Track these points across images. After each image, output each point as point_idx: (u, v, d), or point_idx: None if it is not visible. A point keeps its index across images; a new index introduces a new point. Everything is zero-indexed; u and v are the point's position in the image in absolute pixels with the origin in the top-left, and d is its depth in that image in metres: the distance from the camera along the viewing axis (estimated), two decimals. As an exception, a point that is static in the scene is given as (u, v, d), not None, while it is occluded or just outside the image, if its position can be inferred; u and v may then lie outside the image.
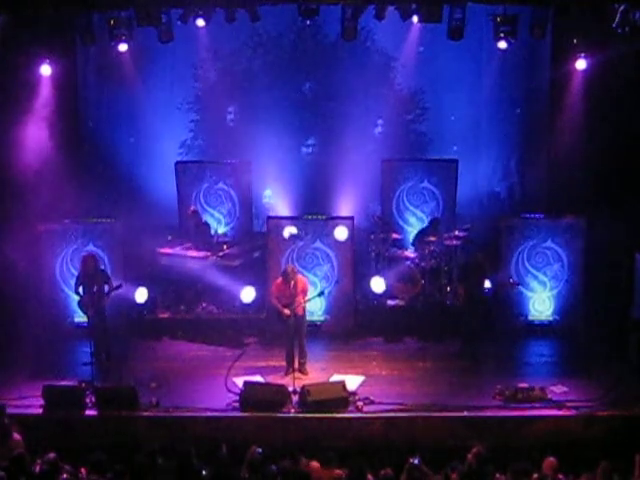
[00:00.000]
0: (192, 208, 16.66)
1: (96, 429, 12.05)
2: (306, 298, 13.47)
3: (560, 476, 9.84)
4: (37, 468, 9.84)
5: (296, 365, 13.49)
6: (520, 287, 15.22)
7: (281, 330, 13.80)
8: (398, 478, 9.76)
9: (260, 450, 10.01)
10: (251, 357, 14.29)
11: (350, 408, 12.30)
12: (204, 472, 9.87)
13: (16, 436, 10.83)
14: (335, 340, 15.13)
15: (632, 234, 14.91)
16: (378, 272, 16.21)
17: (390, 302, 15.83)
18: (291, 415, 12.20)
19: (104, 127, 18.32)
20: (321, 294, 14.10)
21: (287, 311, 13.22)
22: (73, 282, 14.21)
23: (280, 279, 13.54)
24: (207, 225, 16.48)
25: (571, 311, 15.39)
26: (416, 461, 9.88)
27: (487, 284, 14.36)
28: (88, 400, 12.42)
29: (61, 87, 16.14)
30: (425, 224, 16.63)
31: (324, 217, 15.77)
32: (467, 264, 14.76)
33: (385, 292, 15.82)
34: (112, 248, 15.43)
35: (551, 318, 15.52)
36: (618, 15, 14.17)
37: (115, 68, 17.60)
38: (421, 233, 16.35)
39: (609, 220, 15.15)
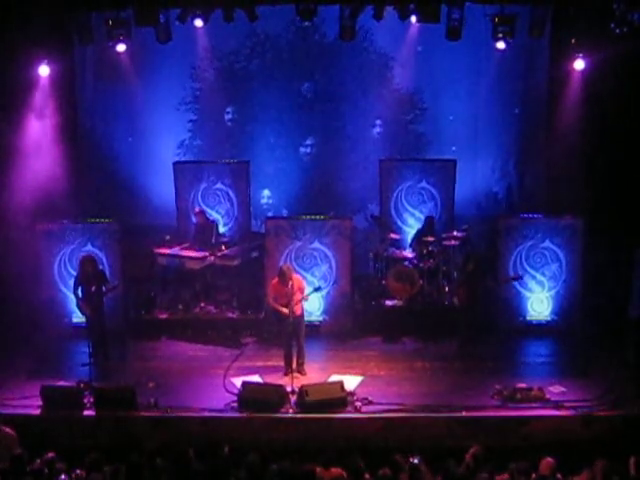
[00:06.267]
0: (198, 209, 16.68)
1: (94, 429, 12.04)
2: (303, 296, 13.45)
3: (558, 476, 9.85)
4: (36, 468, 9.85)
5: (294, 365, 13.47)
6: (521, 280, 15.13)
7: (279, 330, 13.81)
8: (396, 478, 9.77)
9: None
10: (249, 357, 14.30)
11: (348, 408, 12.30)
12: (202, 472, 9.88)
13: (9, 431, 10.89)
14: (333, 340, 15.11)
15: (630, 234, 14.92)
16: (376, 272, 16.25)
17: (388, 302, 15.82)
18: (289, 415, 12.19)
19: (102, 127, 18.35)
20: (317, 290, 14.02)
21: (285, 309, 13.21)
22: (72, 283, 14.18)
23: (276, 280, 13.52)
24: (214, 223, 16.44)
25: (569, 311, 15.39)
26: (416, 461, 9.91)
27: (488, 283, 14.39)
28: (86, 400, 12.41)
29: (59, 87, 16.11)
30: (421, 225, 16.63)
31: (322, 217, 15.74)
32: (466, 265, 14.74)
33: (384, 292, 15.86)
34: (110, 248, 15.36)
35: (549, 318, 15.51)
36: (616, 15, 14.20)
37: (113, 68, 17.64)
38: (418, 234, 16.37)
39: (607, 220, 15.19)
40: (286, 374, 13.30)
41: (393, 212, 17.33)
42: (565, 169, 16.39)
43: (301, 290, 13.43)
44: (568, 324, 15.34)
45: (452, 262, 16.18)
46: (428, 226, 16.32)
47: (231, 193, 17.33)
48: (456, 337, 14.55)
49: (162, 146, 18.52)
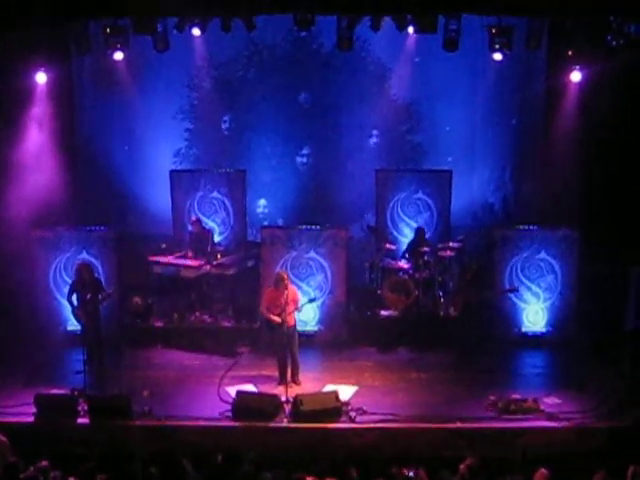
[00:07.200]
0: (194, 217, 16.69)
1: (88, 437, 12.00)
2: (297, 306, 13.42)
3: (552, 487, 9.85)
4: (29, 476, 9.81)
5: (289, 375, 13.45)
6: (516, 292, 15.14)
7: (272, 340, 13.75)
8: (390, 489, 9.77)
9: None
10: (244, 366, 14.25)
11: (343, 418, 12.27)
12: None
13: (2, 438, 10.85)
14: (328, 350, 15.08)
15: (626, 246, 14.93)
16: (372, 283, 16.24)
17: (384, 313, 15.83)
18: (283, 425, 12.18)
19: (99, 135, 18.29)
20: (312, 301, 14.03)
21: (277, 318, 13.17)
22: (66, 290, 14.18)
23: (271, 288, 13.49)
24: (210, 232, 16.44)
25: (564, 323, 15.39)
26: (411, 473, 9.89)
27: (486, 294, 14.38)
28: (80, 408, 12.38)
29: (56, 95, 16.12)
30: (412, 236, 16.62)
31: (318, 227, 15.74)
32: (464, 274, 14.75)
33: (379, 302, 15.85)
34: (106, 256, 15.37)
35: (544, 329, 15.52)
36: (613, 27, 14.24)
37: (111, 76, 17.62)
38: (410, 245, 16.36)
39: (603, 232, 15.20)
40: (281, 384, 13.28)
41: (389, 222, 17.33)
42: (561, 180, 16.41)
43: (295, 301, 13.39)
44: (563, 336, 15.33)
45: (448, 273, 16.17)
46: (419, 238, 16.31)
47: (227, 202, 17.33)
48: (451, 348, 14.54)
49: (159, 155, 18.49)
